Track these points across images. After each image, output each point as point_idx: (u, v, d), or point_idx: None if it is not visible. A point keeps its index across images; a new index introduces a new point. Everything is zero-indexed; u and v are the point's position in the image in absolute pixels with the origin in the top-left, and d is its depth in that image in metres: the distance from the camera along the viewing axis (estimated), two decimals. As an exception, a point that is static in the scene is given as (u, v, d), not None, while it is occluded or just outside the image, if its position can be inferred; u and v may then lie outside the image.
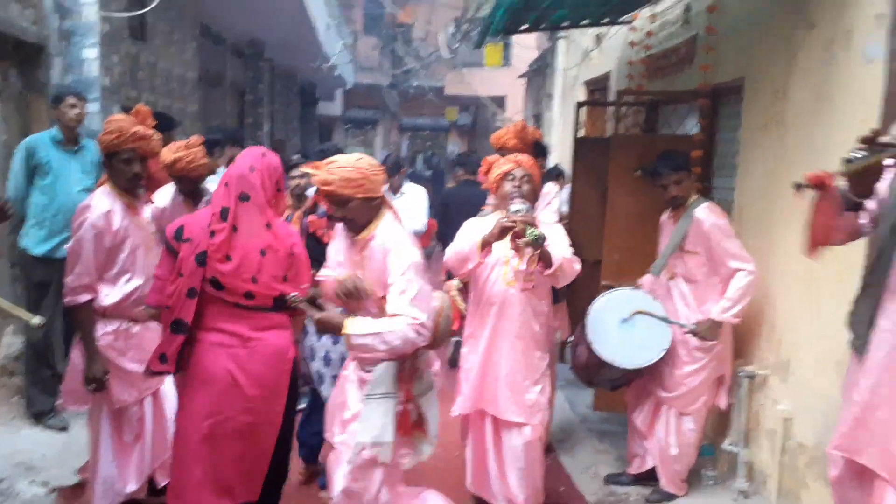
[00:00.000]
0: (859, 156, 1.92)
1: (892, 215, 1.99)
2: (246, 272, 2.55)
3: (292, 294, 2.54)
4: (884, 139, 1.92)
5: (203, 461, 2.57)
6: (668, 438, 3.67)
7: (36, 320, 2.79)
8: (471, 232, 3.31)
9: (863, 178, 1.97)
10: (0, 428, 3.99)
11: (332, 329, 2.55)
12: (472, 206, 4.23)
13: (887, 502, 1.99)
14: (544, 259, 3.14)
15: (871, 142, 1.93)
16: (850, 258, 3.01)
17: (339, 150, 5.12)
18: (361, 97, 22.61)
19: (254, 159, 2.68)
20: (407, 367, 2.68)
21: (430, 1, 16.26)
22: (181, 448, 2.65)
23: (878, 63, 2.93)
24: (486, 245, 3.17)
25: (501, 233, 3.10)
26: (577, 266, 3.28)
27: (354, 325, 2.52)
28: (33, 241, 4.18)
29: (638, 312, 3.56)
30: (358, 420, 2.64)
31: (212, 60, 9.19)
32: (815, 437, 3.26)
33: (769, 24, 3.82)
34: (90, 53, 4.93)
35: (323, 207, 4.40)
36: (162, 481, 3.44)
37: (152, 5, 5.05)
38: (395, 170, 6.31)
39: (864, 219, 2.14)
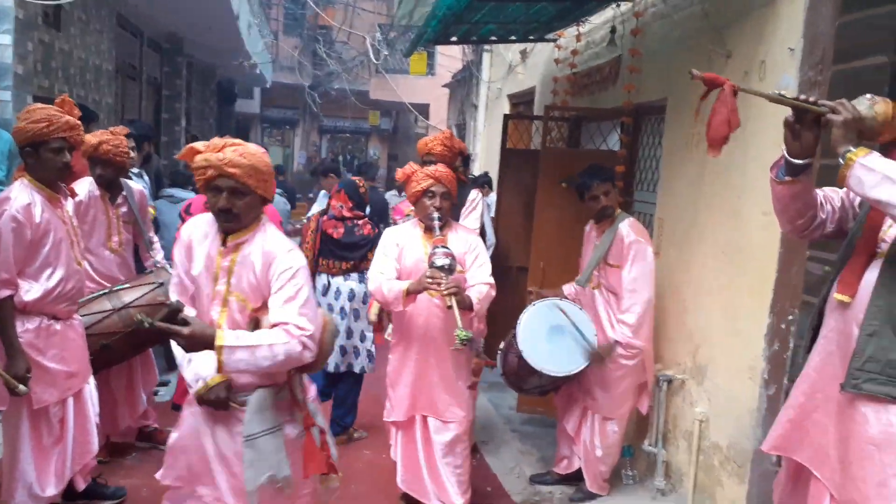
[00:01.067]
0: (788, 97, 1.97)
1: (853, 230, 2.07)
2: None
3: (139, 315, 2.04)
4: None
5: None
6: (593, 441, 3.84)
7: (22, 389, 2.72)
8: (390, 246, 3.42)
9: (798, 128, 1.94)
10: None
11: (203, 343, 2.13)
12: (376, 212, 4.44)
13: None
14: (465, 308, 3.21)
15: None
16: (763, 272, 3.26)
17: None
18: (281, 97, 22.25)
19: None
20: (284, 396, 2.39)
21: (353, 5, 16.20)
22: None
23: (789, 93, 3.17)
24: (410, 294, 3.25)
25: (425, 290, 3.22)
26: (493, 293, 3.39)
27: (230, 337, 2.16)
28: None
29: (561, 311, 3.68)
30: (244, 466, 2.29)
31: (129, 53, 8.84)
32: (728, 438, 3.49)
33: (690, 50, 4.07)
34: (4, 39, 4.68)
35: (332, 210, 4.52)
36: (82, 484, 3.32)
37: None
38: (332, 171, 6.37)
39: (823, 214, 2.12)
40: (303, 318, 2.24)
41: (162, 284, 3.65)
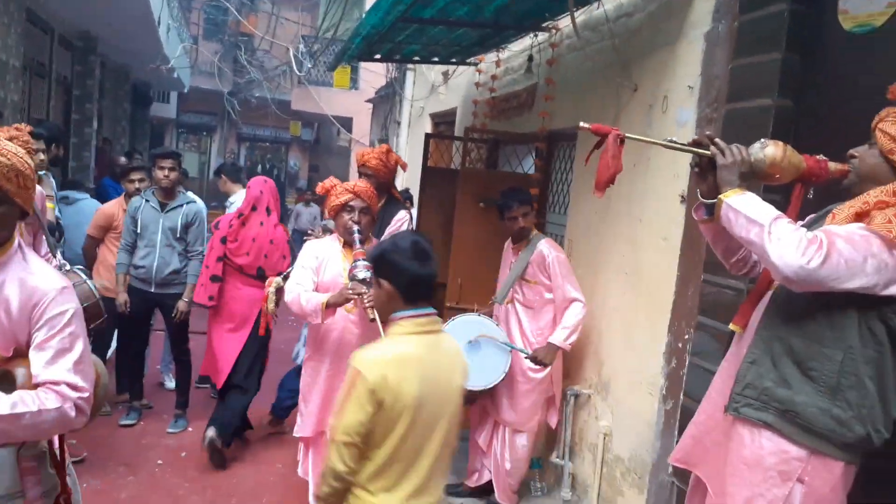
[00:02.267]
0: (679, 143, 2.14)
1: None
2: (242, 251, 4.54)
3: None
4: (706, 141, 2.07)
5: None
6: (503, 454, 3.96)
7: None
8: (310, 258, 3.41)
9: (699, 171, 2.09)
10: None
11: None
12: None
13: None
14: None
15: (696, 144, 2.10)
16: (661, 294, 3.47)
17: (177, 155, 5.01)
18: (198, 102, 21.68)
19: (262, 185, 4.66)
20: (31, 452, 1.91)
21: (276, 14, 16.05)
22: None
23: (688, 126, 3.43)
24: (330, 307, 3.23)
25: (346, 302, 3.21)
26: None
27: None
28: None
29: (483, 336, 3.81)
30: None
31: (37, 49, 8.46)
32: (629, 450, 3.67)
33: (601, 81, 4.29)
34: None
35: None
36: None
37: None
38: (236, 173, 6.26)
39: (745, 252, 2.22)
40: (78, 377, 1.82)
41: (74, 286, 3.52)
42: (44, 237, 3.93)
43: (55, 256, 4.00)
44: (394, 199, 4.36)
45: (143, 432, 4.87)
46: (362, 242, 3.33)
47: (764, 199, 1.99)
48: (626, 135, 2.15)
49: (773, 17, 2.93)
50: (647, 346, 3.57)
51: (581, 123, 2.13)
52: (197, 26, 21.10)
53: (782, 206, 2.11)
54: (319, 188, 3.60)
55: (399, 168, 4.38)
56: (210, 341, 4.70)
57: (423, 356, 2.07)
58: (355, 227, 3.35)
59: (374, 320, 3.05)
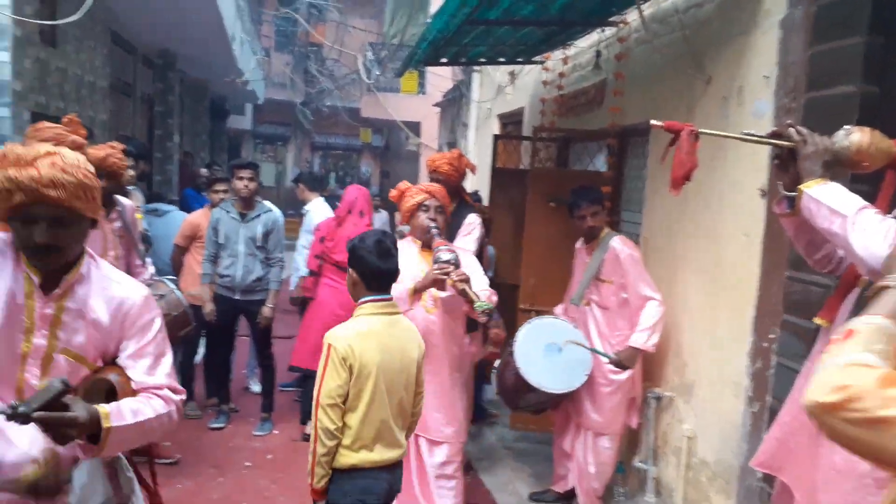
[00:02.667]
0: (757, 135, 2.07)
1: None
2: (339, 248, 4.85)
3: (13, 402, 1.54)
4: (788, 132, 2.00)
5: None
6: (586, 458, 3.90)
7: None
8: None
9: (780, 163, 2.03)
10: None
11: (89, 428, 1.62)
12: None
13: None
14: (469, 301, 3.23)
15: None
16: (744, 292, 3.36)
17: (255, 166, 5.19)
18: (273, 113, 22.35)
19: (357, 192, 5.18)
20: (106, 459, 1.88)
21: (343, 23, 16.37)
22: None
23: (766, 118, 3.31)
24: (416, 292, 3.29)
25: (434, 283, 3.23)
26: (495, 298, 3.42)
27: (116, 415, 1.68)
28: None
29: (569, 342, 3.76)
30: None
31: (122, 69, 8.91)
32: (715, 454, 3.57)
33: (672, 74, 4.19)
34: (2, 57, 4.74)
35: None
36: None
37: (70, 19, 4.91)
38: (314, 182, 6.49)
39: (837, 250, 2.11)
40: (174, 380, 1.90)
41: (163, 297, 3.70)
42: (136, 250, 4.14)
43: (146, 268, 4.22)
44: (464, 203, 4.38)
45: (231, 435, 5.06)
46: (440, 235, 3.38)
47: (851, 190, 1.90)
48: (700, 130, 2.10)
49: (853, 0, 2.79)
50: (731, 345, 3.46)
51: (652, 122, 2.09)
52: (269, 38, 21.74)
53: (872, 195, 2.01)
54: (395, 193, 3.64)
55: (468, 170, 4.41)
56: (305, 330, 4.96)
57: (381, 331, 2.51)
58: (432, 225, 3.39)
59: (463, 291, 3.10)
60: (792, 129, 2.01)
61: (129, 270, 4.24)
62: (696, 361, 3.79)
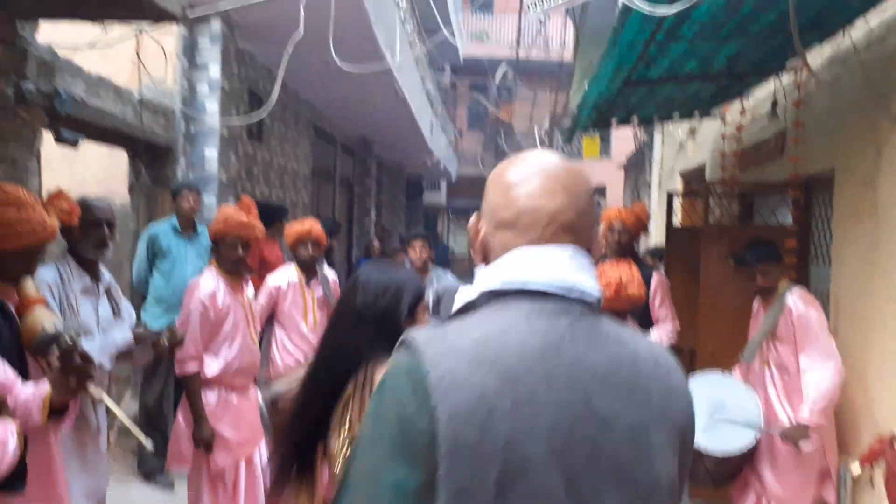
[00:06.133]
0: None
1: None
2: None
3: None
4: None
5: None
6: None
7: (148, 445, 2.31)
8: None
9: None
10: (115, 483, 4.30)
11: None
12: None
13: None
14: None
15: None
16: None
17: (426, 236, 5.47)
18: (465, 187, 23.39)
19: None
20: None
21: (531, 99, 16.93)
22: None
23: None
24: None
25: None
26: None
27: None
28: (152, 316, 4.63)
29: (721, 421, 3.43)
30: None
31: (323, 157, 9.94)
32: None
33: (855, 117, 3.82)
34: (211, 153, 5.52)
35: None
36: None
37: (264, 114, 5.63)
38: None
39: None
40: None
41: None
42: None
43: None
44: (641, 264, 4.24)
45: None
46: None
47: None
48: None
49: None
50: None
51: (852, 468, 1.92)
52: (462, 119, 23.03)
53: None
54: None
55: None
56: None
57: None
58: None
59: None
60: None
61: None
62: (898, 435, 3.27)
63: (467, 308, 1.05)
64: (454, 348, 0.95)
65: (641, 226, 4.25)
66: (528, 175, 1.08)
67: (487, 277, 1.05)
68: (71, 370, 2.05)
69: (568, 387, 0.94)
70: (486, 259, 1.11)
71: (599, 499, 0.93)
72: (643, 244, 10.93)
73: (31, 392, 2.03)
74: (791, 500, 3.43)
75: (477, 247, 1.13)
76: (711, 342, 4.67)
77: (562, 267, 1.03)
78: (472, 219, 1.15)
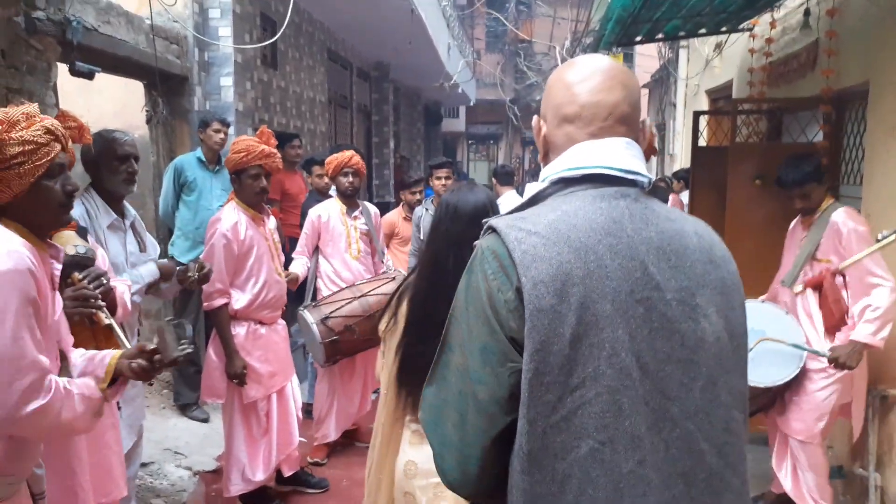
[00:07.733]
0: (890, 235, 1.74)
1: None
2: None
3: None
4: None
5: None
6: (794, 464, 3.47)
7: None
8: None
9: None
10: (151, 417, 4.46)
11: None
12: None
13: None
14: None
15: None
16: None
17: (450, 164, 5.40)
18: (484, 113, 23.02)
19: None
20: None
21: (551, 16, 16.33)
22: None
23: None
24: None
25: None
26: None
27: None
28: (179, 251, 4.67)
29: (764, 340, 3.32)
30: None
31: (339, 84, 9.75)
32: (945, 461, 3.04)
33: (894, 25, 3.63)
34: (226, 82, 5.41)
35: None
36: (287, 472, 3.73)
37: (276, 36, 5.49)
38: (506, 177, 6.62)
39: None
40: None
41: (394, 278, 4.00)
42: (377, 247, 4.50)
43: (384, 264, 4.57)
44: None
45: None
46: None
47: None
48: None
49: None
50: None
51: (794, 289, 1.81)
52: (480, 40, 22.39)
53: None
54: None
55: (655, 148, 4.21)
56: None
57: None
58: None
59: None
60: None
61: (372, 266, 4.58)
62: (927, 355, 3.24)
63: (537, 198, 1.22)
64: (532, 230, 1.13)
65: (647, 147, 4.09)
66: (589, 74, 1.23)
67: (554, 167, 1.23)
68: (88, 294, 2.07)
69: (629, 257, 1.13)
70: (547, 156, 1.28)
71: (653, 348, 1.12)
72: (667, 168, 10.72)
73: (93, 355, 1.95)
74: (805, 432, 3.36)
75: (540, 143, 1.31)
76: (738, 262, 4.61)
77: (619, 155, 1.21)
78: (535, 119, 1.33)
